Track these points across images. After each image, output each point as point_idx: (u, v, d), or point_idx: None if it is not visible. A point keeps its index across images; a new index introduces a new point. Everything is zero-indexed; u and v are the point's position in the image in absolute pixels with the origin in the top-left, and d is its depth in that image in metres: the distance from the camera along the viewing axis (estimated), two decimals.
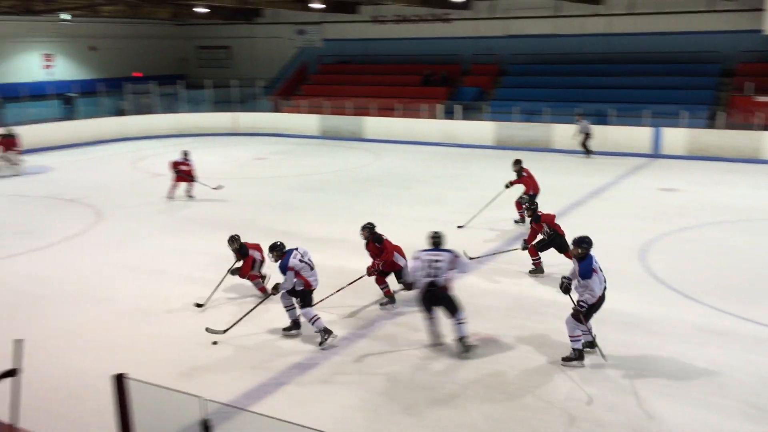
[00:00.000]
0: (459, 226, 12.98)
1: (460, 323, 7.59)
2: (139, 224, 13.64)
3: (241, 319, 8.27)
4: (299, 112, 27.06)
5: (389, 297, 9.11)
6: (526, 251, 10.28)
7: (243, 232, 12.59)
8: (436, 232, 7.92)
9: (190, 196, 15.67)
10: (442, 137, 24.00)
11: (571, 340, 7.31)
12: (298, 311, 8.13)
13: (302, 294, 7.96)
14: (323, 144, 24.78)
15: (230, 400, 6.54)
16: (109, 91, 26.48)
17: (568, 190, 16.26)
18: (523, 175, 13.14)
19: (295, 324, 8.23)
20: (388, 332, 8.34)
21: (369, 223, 9.06)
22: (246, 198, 15.91)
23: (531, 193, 12.82)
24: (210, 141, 25.26)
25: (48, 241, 12.36)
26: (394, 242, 9.09)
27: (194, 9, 25.77)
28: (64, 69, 28.99)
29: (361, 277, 9.21)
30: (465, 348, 7.59)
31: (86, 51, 29.66)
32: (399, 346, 7.91)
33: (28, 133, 21.02)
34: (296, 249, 7.98)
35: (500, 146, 23.01)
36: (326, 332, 7.91)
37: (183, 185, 15.69)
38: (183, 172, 15.67)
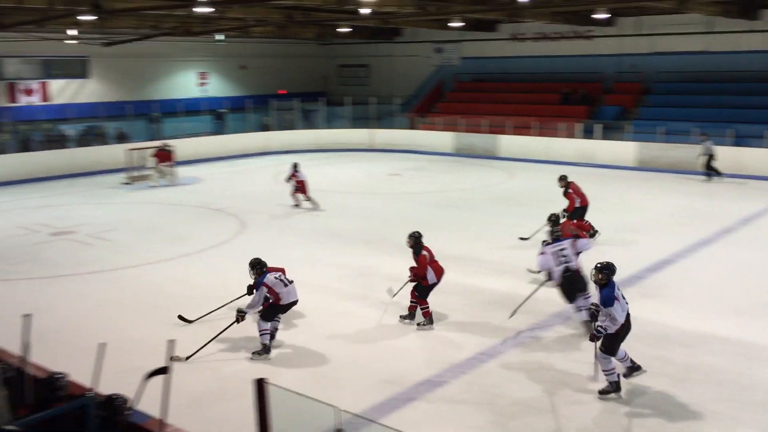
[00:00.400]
0: (522, 238, 12.90)
1: (581, 309, 8.50)
2: (279, 234, 14.26)
3: (211, 341, 8.24)
4: (434, 130, 27.29)
5: (428, 318, 9.03)
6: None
7: (377, 247, 12.90)
8: (555, 230, 9.22)
9: (296, 205, 16.56)
10: (579, 157, 23.35)
11: (606, 374, 7.07)
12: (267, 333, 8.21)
13: (269, 307, 8.23)
14: (457, 161, 24.83)
15: (361, 412, 6.68)
16: (255, 107, 27.95)
17: (716, 215, 15.32)
18: (569, 192, 12.94)
19: (265, 348, 8.20)
20: (521, 354, 8.20)
21: (416, 232, 9.23)
22: (380, 213, 16.23)
23: (572, 209, 12.77)
24: (347, 156, 26.01)
25: (197, 247, 13.19)
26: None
27: (337, 29, 26.71)
28: (216, 86, 30.90)
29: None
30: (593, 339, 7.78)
31: (237, 69, 31.47)
32: (531, 369, 7.76)
33: (182, 146, 22.59)
34: (276, 272, 8.38)
35: (642, 167, 22.07)
36: (265, 350, 8.15)
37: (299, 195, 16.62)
38: (298, 183, 16.53)
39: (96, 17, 18.47)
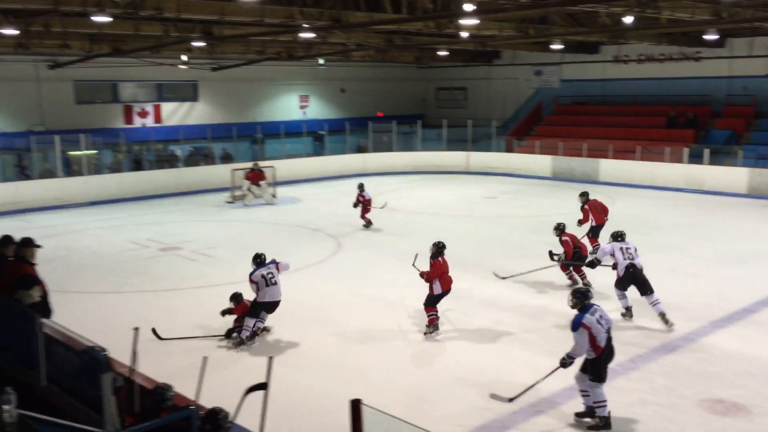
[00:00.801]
0: (498, 276, 12.51)
1: (656, 304, 9.67)
2: (373, 255, 14.40)
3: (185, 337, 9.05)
4: (532, 153, 26.90)
5: (433, 326, 9.53)
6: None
7: (471, 271, 12.79)
8: (620, 231, 10.17)
9: (366, 226, 16.76)
10: (685, 183, 22.41)
11: (596, 407, 6.83)
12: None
13: (252, 303, 9.07)
14: (555, 185, 24.35)
15: None
16: (354, 129, 28.47)
17: None
18: (584, 207, 13.54)
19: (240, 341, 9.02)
20: (631, 382, 7.91)
21: (439, 242, 9.81)
22: (475, 236, 16.10)
23: (584, 222, 13.58)
24: (443, 178, 26.01)
25: (295, 266, 13.44)
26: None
27: (437, 53, 26.91)
28: (316, 109, 31.71)
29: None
30: (666, 321, 9.63)
31: (336, 92, 32.20)
32: (632, 403, 7.45)
33: (283, 167, 23.26)
34: (273, 263, 9.23)
35: (754, 195, 20.92)
36: (240, 342, 8.95)
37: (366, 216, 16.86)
38: (364, 202, 16.74)
39: (207, 43, 19.45)
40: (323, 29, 16.49)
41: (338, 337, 9.61)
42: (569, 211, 19.23)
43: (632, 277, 9.77)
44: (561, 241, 11.91)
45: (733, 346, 9.05)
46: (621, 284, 9.99)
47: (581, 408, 7.07)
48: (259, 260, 9.37)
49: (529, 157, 26.79)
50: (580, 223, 13.66)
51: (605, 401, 6.83)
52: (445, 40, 22.21)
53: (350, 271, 13.20)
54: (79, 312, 10.06)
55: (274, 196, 21.17)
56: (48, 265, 10.95)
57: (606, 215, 13.79)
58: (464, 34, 19.25)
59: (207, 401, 5.21)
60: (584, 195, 13.91)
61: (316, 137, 28.78)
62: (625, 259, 9.79)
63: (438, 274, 9.45)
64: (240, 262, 13.85)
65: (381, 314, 10.56)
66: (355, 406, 4.65)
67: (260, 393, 5.03)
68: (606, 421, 6.80)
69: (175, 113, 27.23)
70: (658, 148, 23.55)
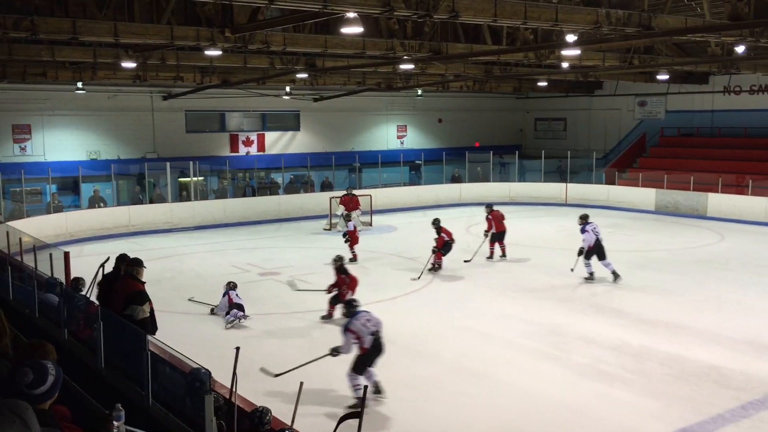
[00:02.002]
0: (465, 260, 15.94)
1: (609, 265, 13.96)
2: (469, 286, 14.28)
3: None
4: (634, 185, 26.03)
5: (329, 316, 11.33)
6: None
7: (569, 306, 12.47)
8: (585, 214, 14.28)
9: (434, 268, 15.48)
10: None
11: (354, 389, 8.18)
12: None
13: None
14: (658, 220, 23.43)
15: None
16: (450, 159, 28.50)
17: None
18: (488, 218, 16.52)
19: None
20: None
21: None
22: (574, 270, 15.66)
23: (488, 230, 16.53)
24: (540, 210, 25.56)
25: (390, 294, 13.57)
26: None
27: (536, 83, 26.67)
28: (413, 139, 31.98)
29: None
30: (616, 276, 13.97)
31: (434, 122, 32.37)
32: None
33: (380, 195, 23.56)
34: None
35: None
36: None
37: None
38: (446, 234, 15.62)
39: (309, 75, 20.07)
40: (423, 61, 16.69)
41: (432, 366, 9.56)
42: (676, 246, 18.51)
43: (598, 249, 13.89)
44: (438, 235, 15.23)
45: None
46: (588, 255, 14.05)
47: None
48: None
49: (632, 190, 25.92)
50: (486, 231, 16.57)
51: (360, 384, 8.02)
52: (545, 71, 21.99)
53: (445, 301, 13.13)
54: (182, 332, 10.45)
55: (370, 224, 21.41)
56: (155, 286, 11.48)
57: (503, 222, 16.67)
58: (565, 65, 18.99)
59: (301, 427, 5.29)
60: (489, 206, 16.93)
61: (413, 167, 28.98)
62: (596, 235, 13.94)
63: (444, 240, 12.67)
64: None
65: (475, 345, 10.43)
66: None
67: (354, 421, 5.05)
68: (361, 401, 7.19)
69: (277, 142, 28.14)
70: None
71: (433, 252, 15.38)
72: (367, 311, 8.50)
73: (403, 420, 7.88)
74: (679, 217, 23.57)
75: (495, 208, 16.91)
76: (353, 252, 16.63)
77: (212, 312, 12.15)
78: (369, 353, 8.26)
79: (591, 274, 14.12)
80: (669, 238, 19.94)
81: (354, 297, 9.88)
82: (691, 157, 26.22)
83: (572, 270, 14.52)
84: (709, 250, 18.04)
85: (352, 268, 13.02)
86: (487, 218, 16.63)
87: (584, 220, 14.76)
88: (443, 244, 15.40)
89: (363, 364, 8.27)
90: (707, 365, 9.40)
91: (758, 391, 8.53)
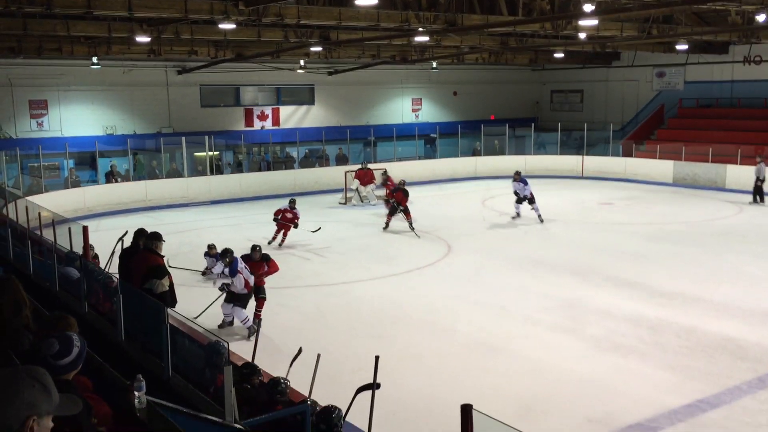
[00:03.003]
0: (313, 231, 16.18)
1: (537, 209, 17.58)
2: (484, 260, 14.26)
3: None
4: (652, 158, 25.76)
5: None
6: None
7: (586, 279, 12.44)
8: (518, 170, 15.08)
9: (280, 244, 15.60)
10: None
11: (245, 324, 9.95)
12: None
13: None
14: (676, 192, 23.23)
15: None
16: (465, 133, 28.32)
17: None
18: (387, 183, 20.24)
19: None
20: (750, 407, 7.44)
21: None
22: (590, 243, 15.62)
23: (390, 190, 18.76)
24: (556, 183, 25.40)
25: (405, 268, 13.60)
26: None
27: (552, 55, 26.34)
28: (428, 112, 31.79)
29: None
30: (541, 220, 16.82)
31: (449, 96, 32.12)
32: (761, 425, 7.00)
33: (394, 169, 23.45)
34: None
35: None
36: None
37: (283, 232, 15.73)
38: (284, 220, 15.62)
39: (324, 48, 19.94)
40: (438, 32, 16.52)
41: (447, 340, 9.59)
42: (694, 219, 18.37)
43: (530, 198, 17.52)
44: (384, 183, 19.71)
45: None
46: (520, 201, 17.78)
47: None
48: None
49: (649, 162, 25.68)
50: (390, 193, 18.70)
51: (248, 317, 9.88)
52: (562, 42, 21.70)
53: (460, 274, 13.14)
54: (200, 305, 10.55)
55: (375, 197, 21.47)
56: (172, 260, 11.59)
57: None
58: (582, 36, 18.74)
59: (318, 398, 5.34)
60: (384, 173, 21.07)
61: (428, 140, 28.84)
62: (527, 186, 17.55)
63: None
64: (351, 262, 14.18)
65: (490, 319, 10.45)
66: (466, 411, 4.63)
67: (368, 393, 5.09)
68: (252, 329, 9.55)
69: (292, 116, 28.09)
70: None
71: (400, 211, 17.04)
72: (238, 257, 9.92)
73: (417, 393, 7.93)
74: (698, 189, 23.35)
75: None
76: (411, 225, 16.78)
77: (203, 274, 13.06)
78: (251, 291, 9.90)
79: (518, 214, 18.02)
80: (687, 210, 19.78)
81: (226, 248, 10.36)
82: (710, 128, 25.89)
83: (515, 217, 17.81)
84: (727, 223, 17.89)
85: (371, 241, 12.99)
86: (386, 184, 20.35)
87: (385, 175, 19.69)
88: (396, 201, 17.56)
89: (246, 300, 9.89)
90: (724, 337, 9.37)
91: None
